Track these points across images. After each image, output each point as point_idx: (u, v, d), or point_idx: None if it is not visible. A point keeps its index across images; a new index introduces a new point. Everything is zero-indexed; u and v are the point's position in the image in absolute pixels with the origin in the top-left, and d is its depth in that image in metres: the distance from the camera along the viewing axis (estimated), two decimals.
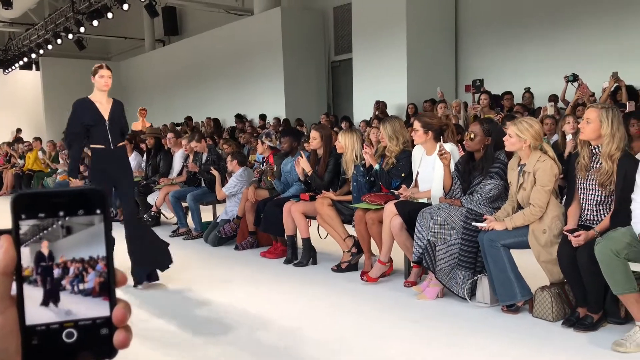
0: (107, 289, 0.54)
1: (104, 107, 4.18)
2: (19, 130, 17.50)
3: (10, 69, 20.28)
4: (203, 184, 6.53)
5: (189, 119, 15.10)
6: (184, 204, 6.56)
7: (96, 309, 0.53)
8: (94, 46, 19.92)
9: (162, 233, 6.74)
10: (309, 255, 4.95)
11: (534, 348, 2.96)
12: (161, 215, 7.39)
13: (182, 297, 4.14)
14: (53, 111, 19.52)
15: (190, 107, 16.16)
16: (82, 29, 14.83)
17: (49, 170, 10.59)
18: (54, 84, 19.53)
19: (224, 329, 3.40)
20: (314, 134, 5.05)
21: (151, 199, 7.06)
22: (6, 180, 11.94)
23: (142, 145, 8.14)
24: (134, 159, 7.86)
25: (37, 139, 12.21)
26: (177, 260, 5.41)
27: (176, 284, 4.49)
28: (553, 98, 8.56)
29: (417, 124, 4.19)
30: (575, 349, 2.92)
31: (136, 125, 10.45)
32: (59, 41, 15.93)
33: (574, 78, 7.77)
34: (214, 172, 6.04)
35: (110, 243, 0.55)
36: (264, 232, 5.44)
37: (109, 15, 13.71)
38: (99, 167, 4.22)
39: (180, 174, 7.03)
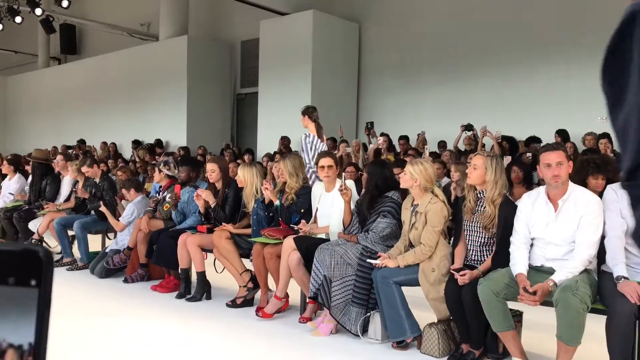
0: None
1: None
2: None
3: None
4: (93, 213, 6.17)
5: (81, 142, 14.33)
6: (70, 232, 6.14)
7: None
8: None
9: None
10: (203, 290, 4.80)
11: None
12: (43, 244, 6.86)
13: (60, 331, 3.83)
14: None
15: (84, 129, 15.33)
16: None
17: None
18: None
19: None
20: (212, 166, 4.98)
21: (33, 225, 6.53)
22: None
23: (27, 167, 7.57)
24: (16, 181, 7.29)
25: None
26: (59, 293, 5.02)
27: (58, 316, 4.14)
28: (442, 144, 9.14)
29: (329, 160, 4.25)
30: None
31: None
32: None
33: (469, 128, 8.38)
34: (103, 208, 5.70)
35: (44, 326, 0.43)
36: (156, 264, 5.21)
37: None
38: None
39: (67, 199, 6.60)
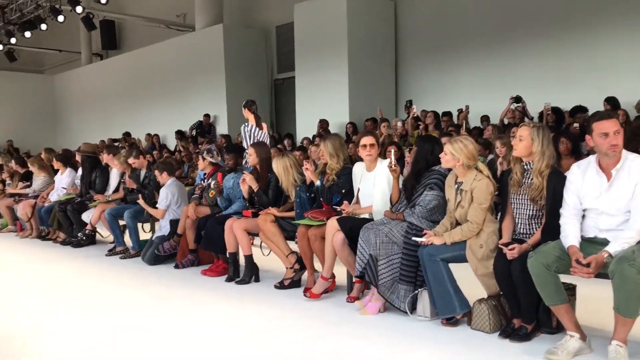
0: None
1: None
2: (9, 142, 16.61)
3: None
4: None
5: (127, 134, 14.72)
6: (121, 222, 6.34)
7: None
8: (26, 58, 19.15)
9: (98, 252, 6.51)
10: (251, 273, 4.89)
11: (471, 358, 3.02)
12: (96, 234, 7.11)
13: (117, 317, 3.98)
14: None
15: (129, 122, 15.75)
16: (13, 40, 14.22)
17: None
18: None
19: (162, 349, 3.29)
20: (250, 149, 5.13)
21: (86, 216, 6.79)
22: None
23: (77, 161, 7.84)
24: (68, 175, 7.56)
25: None
26: (114, 281, 5.22)
27: (112, 304, 4.31)
28: (485, 118, 8.94)
29: (370, 140, 4.24)
30: (511, 358, 3.01)
31: None
32: None
33: (518, 99, 8.17)
34: (141, 201, 5.87)
35: None
36: (205, 249, 5.33)
37: (43, 26, 13.22)
38: None
39: (116, 190, 6.81)
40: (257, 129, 6.62)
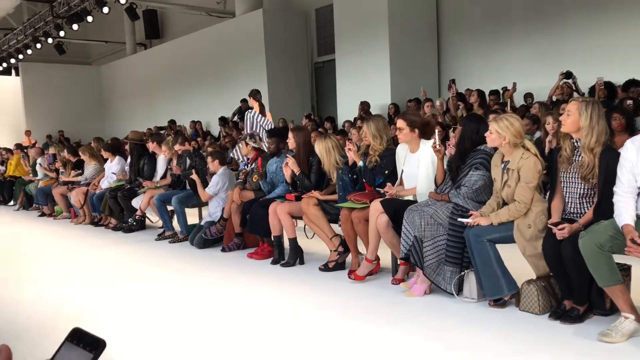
0: None
1: None
2: (28, 133, 17.34)
3: None
4: (188, 187, 6.49)
5: (172, 122, 15.01)
6: (169, 207, 6.51)
7: None
8: (74, 50, 19.71)
9: (147, 237, 6.71)
10: (296, 256, 4.94)
11: (521, 341, 2.98)
12: (146, 219, 7.33)
13: (168, 299, 4.11)
14: (34, 117, 19.28)
15: (173, 110, 16.06)
16: (61, 33, 14.67)
17: (30, 176, 10.43)
18: (34, 89, 19.29)
19: (212, 329, 3.38)
20: (289, 135, 5.15)
21: (135, 202, 7.00)
22: None
23: (126, 149, 8.08)
24: (117, 163, 7.79)
25: (18, 145, 12.02)
26: (164, 264, 5.37)
27: (163, 287, 4.45)
28: (529, 95, 8.67)
29: (402, 123, 4.21)
30: (562, 340, 2.95)
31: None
32: (38, 45, 15.73)
33: (569, 75, 7.88)
34: (194, 176, 6.00)
35: None
36: (250, 233, 5.42)
37: (89, 18, 13.57)
38: None
39: (164, 177, 6.98)
40: (261, 115, 7.19)
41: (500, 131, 3.45)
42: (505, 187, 3.49)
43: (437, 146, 3.85)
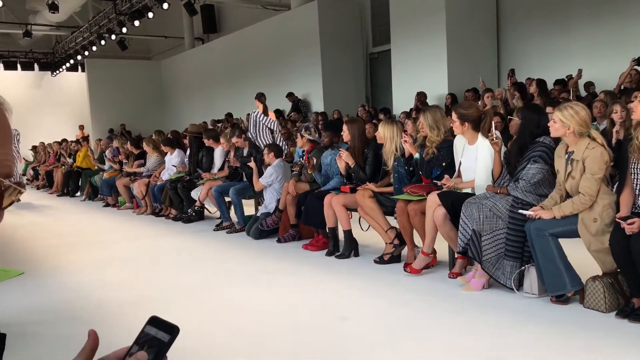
0: None
1: None
2: (81, 127, 18.22)
3: (57, 71, 21.01)
4: (245, 179, 6.60)
5: (229, 115, 15.28)
6: (226, 199, 6.65)
7: None
8: (135, 46, 20.41)
9: (206, 227, 6.89)
10: (350, 247, 4.94)
11: (586, 339, 2.86)
12: (205, 210, 7.51)
13: (226, 288, 4.20)
14: (98, 111, 20.12)
15: (230, 103, 16.35)
16: (124, 30, 15.19)
17: (96, 168, 10.91)
18: (98, 84, 20.11)
19: (267, 320, 3.43)
20: (344, 127, 5.11)
21: (195, 194, 7.19)
22: (56, 178, 12.37)
23: (185, 142, 8.31)
24: (177, 155, 8.02)
25: (85, 138, 12.58)
26: (221, 253, 5.50)
27: (221, 276, 4.56)
28: (590, 84, 8.28)
29: (453, 115, 4.12)
30: (630, 340, 2.82)
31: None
32: (102, 42, 16.37)
33: None
34: (252, 164, 6.11)
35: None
36: (305, 224, 5.46)
37: (150, 15, 13.99)
38: None
39: (221, 169, 7.13)
40: (263, 115, 8.00)
41: (564, 120, 3.31)
42: (569, 178, 3.36)
43: (495, 138, 3.75)
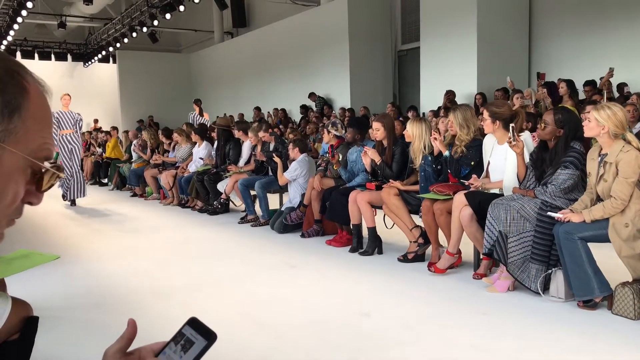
0: None
1: None
2: (95, 121, 18.51)
3: (90, 62, 21.39)
4: (270, 173, 6.64)
5: (257, 109, 15.37)
6: (252, 192, 6.70)
7: None
8: (166, 39, 20.65)
9: (231, 219, 6.95)
10: (374, 245, 4.93)
11: (613, 345, 2.82)
12: (230, 203, 7.58)
13: (249, 281, 4.24)
14: (128, 102, 20.44)
15: (258, 97, 16.44)
16: (155, 22, 15.39)
17: (125, 158, 11.10)
18: (129, 75, 20.43)
19: (289, 313, 3.45)
20: (376, 125, 5.03)
21: (221, 186, 7.26)
22: (86, 167, 12.61)
23: (213, 135, 8.38)
24: (204, 147, 8.11)
25: (115, 128, 12.80)
26: (245, 246, 5.55)
27: (244, 269, 4.60)
28: (622, 86, 8.09)
29: (485, 113, 4.08)
30: None
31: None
32: (134, 35, 16.61)
33: None
34: (276, 158, 6.14)
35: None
36: (329, 220, 5.47)
37: (181, 8, 14.13)
38: None
39: (248, 162, 7.18)
40: (199, 115, 10.51)
41: (600, 120, 3.24)
42: (601, 181, 3.29)
43: (513, 141, 3.68)
